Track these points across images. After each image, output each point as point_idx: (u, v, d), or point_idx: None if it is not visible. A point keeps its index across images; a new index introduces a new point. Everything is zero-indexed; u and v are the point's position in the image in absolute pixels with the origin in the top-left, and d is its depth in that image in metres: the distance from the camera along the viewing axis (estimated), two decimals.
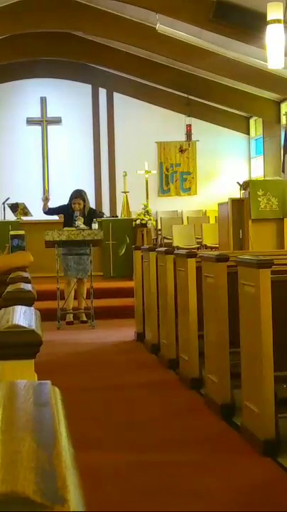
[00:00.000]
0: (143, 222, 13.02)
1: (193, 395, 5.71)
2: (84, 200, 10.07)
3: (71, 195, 10.14)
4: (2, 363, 1.78)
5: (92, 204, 12.47)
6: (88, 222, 9.96)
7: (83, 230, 9.58)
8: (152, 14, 12.05)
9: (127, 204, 14.25)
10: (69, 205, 10.06)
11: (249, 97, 15.54)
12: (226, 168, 17.00)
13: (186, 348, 6.05)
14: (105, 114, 16.99)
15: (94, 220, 10.05)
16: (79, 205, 9.97)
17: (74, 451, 0.81)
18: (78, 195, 10.09)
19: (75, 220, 9.82)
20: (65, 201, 10.32)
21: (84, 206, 10.04)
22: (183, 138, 16.85)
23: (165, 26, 12.60)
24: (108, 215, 15.15)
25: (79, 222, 9.80)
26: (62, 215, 10.61)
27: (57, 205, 10.35)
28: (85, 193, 10.24)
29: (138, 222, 13.04)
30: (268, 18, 10.11)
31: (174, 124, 16.70)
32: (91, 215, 10.16)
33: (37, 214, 13.30)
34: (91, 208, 10.42)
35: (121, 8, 12.77)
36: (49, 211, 10.41)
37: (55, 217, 11.39)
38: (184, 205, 16.91)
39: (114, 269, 12.64)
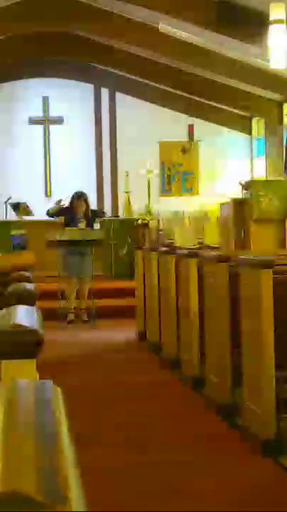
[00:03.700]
0: (145, 222, 13.03)
1: (194, 395, 5.71)
2: (86, 204, 10.06)
3: (72, 197, 10.10)
4: (4, 362, 1.78)
5: (94, 204, 12.45)
6: (90, 225, 9.95)
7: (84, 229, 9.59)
8: (154, 14, 12.05)
9: (129, 204, 14.25)
10: (71, 206, 10.03)
11: (251, 98, 15.52)
12: (228, 168, 16.98)
13: (187, 347, 6.05)
14: (107, 113, 16.97)
15: (96, 220, 10.03)
16: (81, 207, 9.96)
17: (75, 450, 0.81)
18: (80, 198, 10.06)
19: (78, 223, 9.82)
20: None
21: (86, 209, 10.03)
22: (185, 138, 16.83)
23: (168, 26, 12.59)
24: (109, 214, 15.15)
25: (82, 226, 9.82)
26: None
27: (58, 207, 10.32)
28: (87, 196, 10.20)
29: (139, 222, 13.05)
30: (271, 18, 10.11)
31: (176, 124, 16.68)
32: (93, 216, 10.15)
33: (39, 214, 13.32)
34: (92, 210, 10.41)
35: (124, 7, 12.76)
36: (52, 213, 10.38)
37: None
38: (186, 205, 16.89)
39: (116, 269, 12.64)
